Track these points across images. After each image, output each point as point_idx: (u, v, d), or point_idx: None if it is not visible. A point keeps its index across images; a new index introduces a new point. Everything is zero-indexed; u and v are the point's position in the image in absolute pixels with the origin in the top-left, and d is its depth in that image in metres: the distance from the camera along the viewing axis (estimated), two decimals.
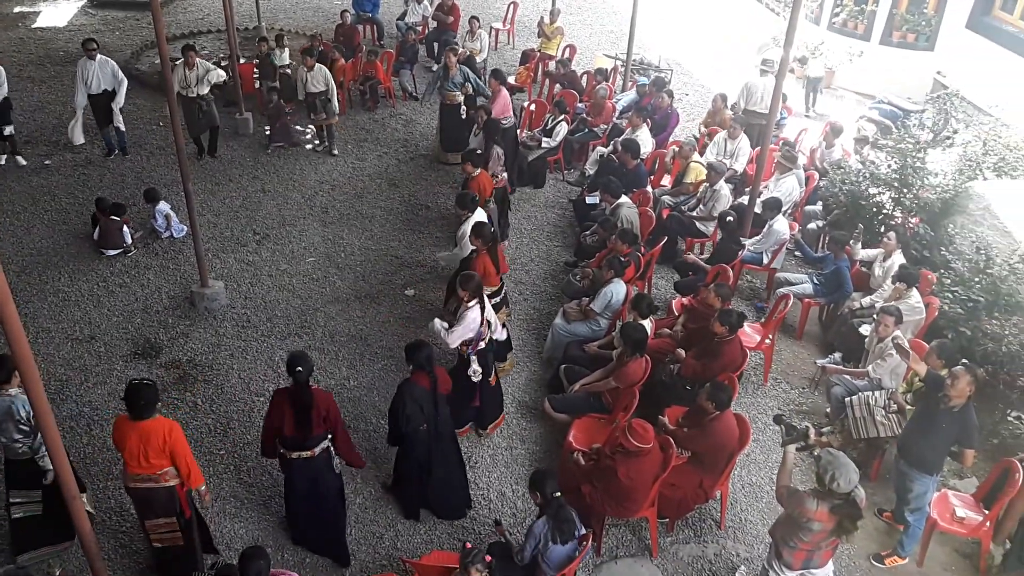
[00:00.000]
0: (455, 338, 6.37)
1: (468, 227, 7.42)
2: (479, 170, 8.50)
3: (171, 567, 5.55)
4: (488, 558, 4.81)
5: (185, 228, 9.30)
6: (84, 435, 6.76)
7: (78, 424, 6.85)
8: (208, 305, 8.23)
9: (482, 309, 6.43)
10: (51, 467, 5.37)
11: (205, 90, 10.56)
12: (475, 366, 6.50)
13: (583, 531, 5.32)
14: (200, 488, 5.35)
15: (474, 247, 7.22)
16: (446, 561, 5.28)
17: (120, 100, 10.59)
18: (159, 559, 5.56)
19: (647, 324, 6.80)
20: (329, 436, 5.56)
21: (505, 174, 9.42)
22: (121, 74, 10.66)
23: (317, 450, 5.50)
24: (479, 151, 8.83)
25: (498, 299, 7.44)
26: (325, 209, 10.19)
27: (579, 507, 5.62)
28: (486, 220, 7.76)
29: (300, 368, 5.26)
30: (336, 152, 11.49)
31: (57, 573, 5.08)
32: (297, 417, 5.34)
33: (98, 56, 10.41)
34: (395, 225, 9.97)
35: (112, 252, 9.03)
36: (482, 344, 6.50)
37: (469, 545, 5.18)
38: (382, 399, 7.23)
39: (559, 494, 5.22)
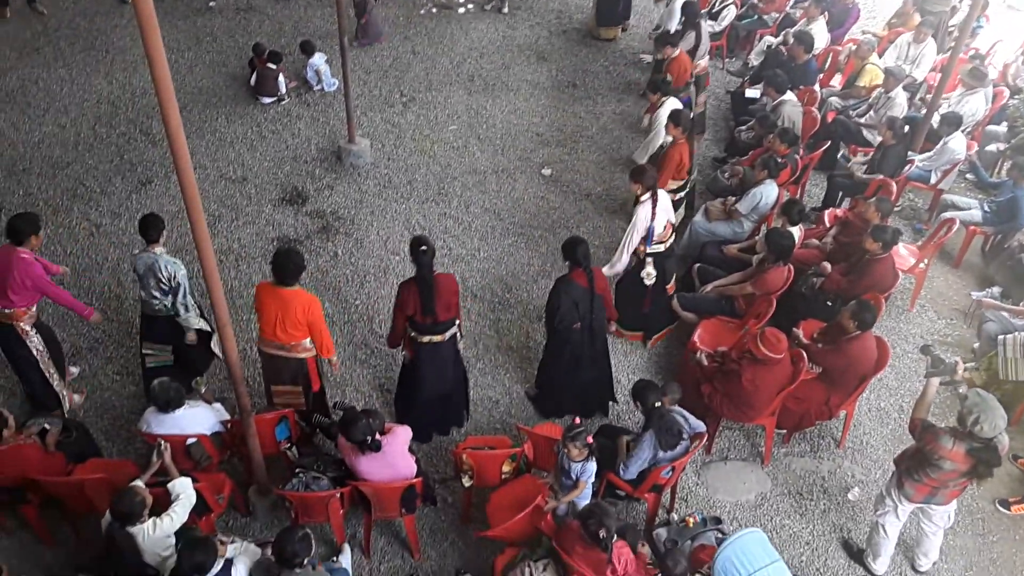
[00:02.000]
0: (635, 238, 6.17)
1: (664, 113, 7.12)
2: (678, 51, 8.14)
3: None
4: (590, 439, 4.84)
5: (336, 82, 9.43)
6: (232, 269, 7.19)
7: (227, 259, 7.27)
8: (354, 161, 8.41)
9: (654, 204, 6.15)
10: (194, 327, 5.74)
11: None
12: (649, 268, 6.37)
13: (697, 430, 5.29)
14: (332, 358, 5.57)
15: (672, 136, 6.94)
16: (558, 434, 5.39)
17: None
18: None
19: (795, 232, 6.47)
20: (457, 322, 5.61)
21: (706, 60, 9.03)
22: None
23: (447, 335, 5.54)
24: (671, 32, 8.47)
25: (682, 194, 7.18)
26: (471, 77, 10.06)
27: (695, 406, 5.58)
28: (682, 107, 7.44)
29: (424, 248, 5.22)
30: (506, 10, 11.27)
31: (203, 390, 5.50)
32: (424, 302, 5.30)
33: None
34: (539, 100, 9.76)
35: (267, 100, 9.29)
36: (652, 246, 6.27)
37: (578, 420, 5.26)
38: (508, 273, 7.31)
39: (659, 404, 5.14)
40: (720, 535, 5.21)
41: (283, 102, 9.31)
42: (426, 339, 5.49)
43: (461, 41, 10.75)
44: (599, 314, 5.69)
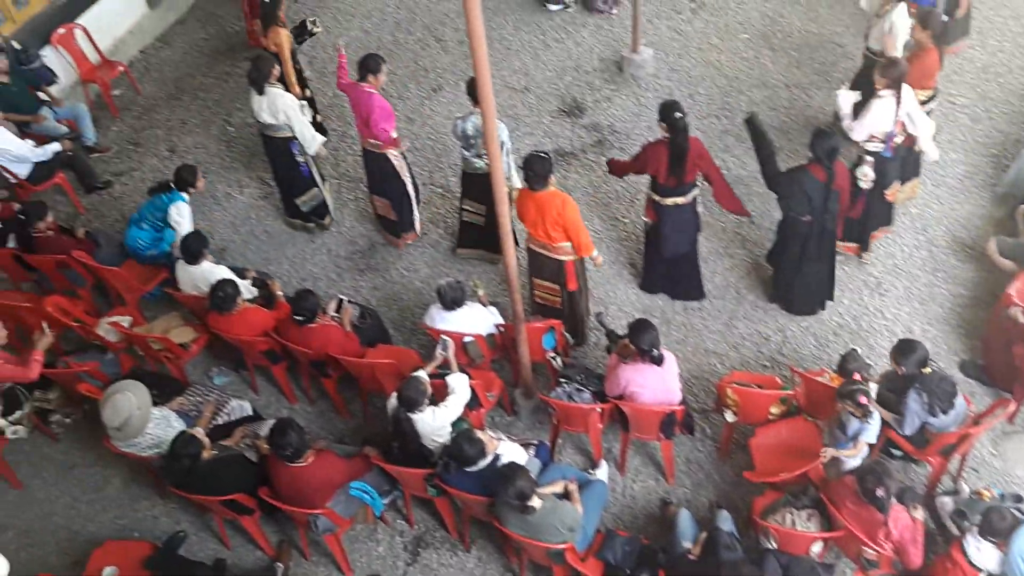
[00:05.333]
0: (859, 129, 5.62)
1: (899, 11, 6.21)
2: None
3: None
4: (863, 400, 4.43)
5: None
6: None
7: None
8: (635, 72, 8.17)
9: (898, 104, 5.48)
10: (517, 186, 5.97)
11: None
12: (866, 168, 5.70)
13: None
14: (592, 254, 5.59)
15: (917, 39, 6.07)
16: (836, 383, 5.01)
17: None
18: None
19: None
20: (697, 185, 5.69)
21: None
22: None
23: (690, 196, 5.65)
24: None
25: (932, 104, 6.31)
26: None
27: (1003, 367, 4.92)
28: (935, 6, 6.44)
29: (680, 114, 5.32)
30: None
31: (480, 292, 5.78)
32: (672, 164, 5.44)
33: None
34: (846, 7, 8.75)
35: (554, 7, 9.23)
36: (885, 148, 5.65)
37: (858, 376, 4.85)
38: None
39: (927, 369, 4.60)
40: (1021, 514, 4.61)
41: (569, 9, 9.20)
42: (670, 201, 5.67)
43: None
44: (832, 211, 5.48)
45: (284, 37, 6.82)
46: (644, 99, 7.98)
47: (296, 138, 6.39)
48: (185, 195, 6.23)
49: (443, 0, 9.47)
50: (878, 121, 5.56)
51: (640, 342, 4.72)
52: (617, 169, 6.07)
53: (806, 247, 5.65)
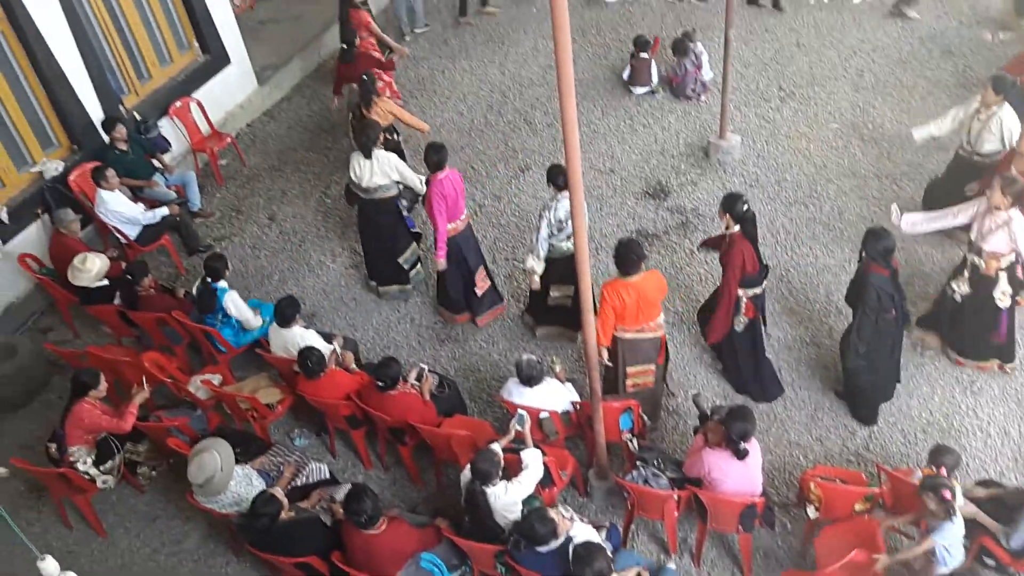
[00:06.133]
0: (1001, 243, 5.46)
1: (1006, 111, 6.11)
2: None
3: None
4: (946, 494, 4.22)
5: (712, 74, 9.24)
6: (591, 257, 7.40)
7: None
8: (721, 157, 8.24)
9: None
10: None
11: None
12: (1005, 285, 5.52)
13: None
14: None
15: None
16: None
17: None
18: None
19: None
20: None
21: None
22: None
23: (765, 284, 5.78)
24: None
25: None
26: (860, 72, 9.26)
27: None
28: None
29: (746, 206, 5.46)
30: (914, 15, 9.99)
31: (557, 368, 5.78)
32: (757, 252, 5.55)
33: None
34: (938, 99, 8.68)
35: (640, 90, 9.44)
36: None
37: (944, 471, 4.60)
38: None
39: None
40: None
41: (656, 94, 9.39)
42: (759, 290, 5.72)
43: (852, 33, 9.93)
44: (899, 302, 5.40)
45: (386, 105, 7.53)
46: (730, 184, 8.00)
47: (400, 196, 6.84)
48: (224, 283, 6.42)
49: (534, 85, 9.82)
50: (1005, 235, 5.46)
51: (733, 429, 4.62)
52: (728, 308, 5.82)
53: (895, 338, 5.53)
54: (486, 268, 6.87)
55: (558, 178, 5.85)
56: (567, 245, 6.02)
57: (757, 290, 5.70)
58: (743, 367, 6.04)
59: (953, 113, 6.74)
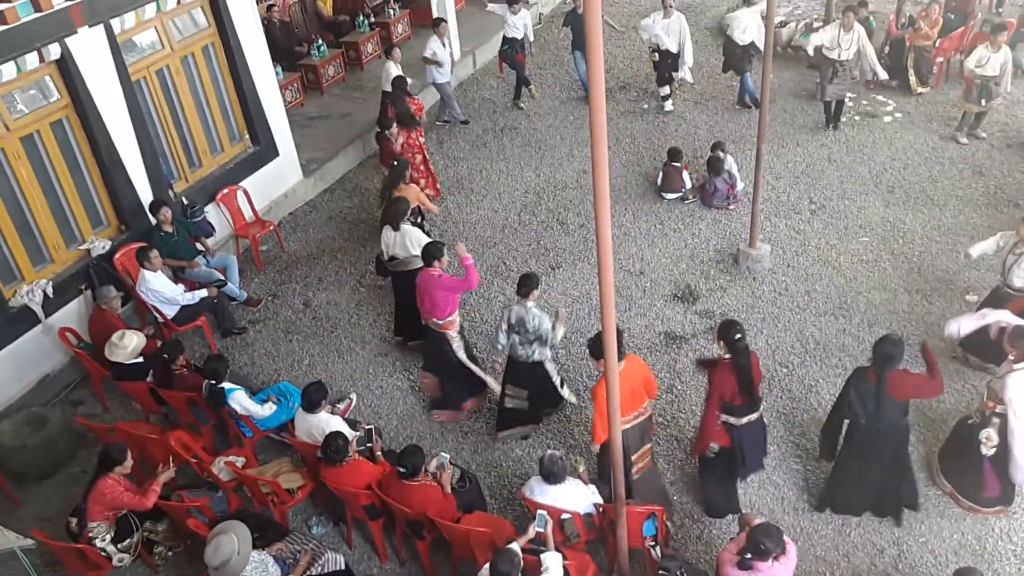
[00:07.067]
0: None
1: None
2: None
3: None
4: None
5: (744, 184, 9.43)
6: None
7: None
8: (751, 266, 8.32)
9: None
10: (569, 398, 6.68)
11: (852, 54, 10.15)
12: (991, 431, 5.48)
13: None
14: None
15: None
16: None
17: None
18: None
19: None
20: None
21: None
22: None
23: (760, 410, 5.73)
24: None
25: None
26: (891, 188, 9.41)
27: None
28: None
29: (740, 336, 5.43)
30: (964, 140, 10.17)
31: (580, 469, 5.72)
32: (741, 385, 5.46)
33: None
34: (970, 218, 8.77)
35: (671, 196, 9.65)
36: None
37: None
38: (912, 406, 6.53)
39: None
40: None
41: (687, 201, 9.58)
42: (745, 420, 5.64)
43: (884, 150, 10.14)
44: (888, 417, 5.37)
45: (411, 192, 8.06)
46: (759, 291, 8.06)
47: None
48: (226, 384, 6.48)
49: (568, 188, 10.09)
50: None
51: (765, 547, 4.48)
52: (708, 431, 5.76)
53: (866, 449, 5.53)
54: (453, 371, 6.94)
55: (521, 287, 6.26)
56: (528, 351, 6.36)
57: (741, 420, 5.64)
58: (707, 485, 6.06)
59: (997, 237, 6.80)
